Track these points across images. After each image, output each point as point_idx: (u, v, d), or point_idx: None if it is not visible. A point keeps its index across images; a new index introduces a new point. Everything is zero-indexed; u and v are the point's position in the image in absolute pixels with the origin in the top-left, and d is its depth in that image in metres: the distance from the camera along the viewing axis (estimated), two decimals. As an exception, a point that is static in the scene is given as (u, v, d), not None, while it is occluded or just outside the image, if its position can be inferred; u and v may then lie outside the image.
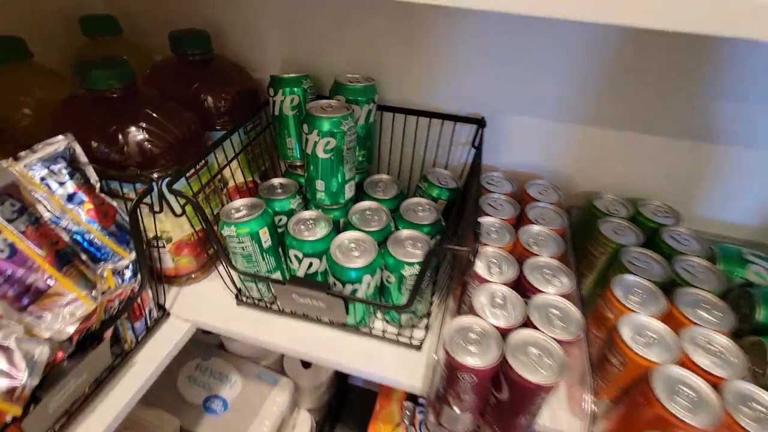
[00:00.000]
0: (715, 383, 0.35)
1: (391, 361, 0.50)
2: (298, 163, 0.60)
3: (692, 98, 0.51)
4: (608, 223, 0.52)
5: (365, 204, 0.54)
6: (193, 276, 0.58)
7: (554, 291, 0.42)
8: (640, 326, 0.39)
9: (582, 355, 0.41)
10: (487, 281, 0.43)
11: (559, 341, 0.37)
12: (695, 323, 0.40)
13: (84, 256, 0.42)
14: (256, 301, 0.55)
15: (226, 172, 0.57)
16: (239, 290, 0.56)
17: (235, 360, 0.87)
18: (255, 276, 0.50)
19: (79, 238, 0.42)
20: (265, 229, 0.49)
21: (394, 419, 0.81)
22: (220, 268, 0.58)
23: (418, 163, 0.65)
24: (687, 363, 0.37)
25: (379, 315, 0.55)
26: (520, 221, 0.53)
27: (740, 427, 0.32)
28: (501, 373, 0.37)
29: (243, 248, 0.49)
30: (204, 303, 0.56)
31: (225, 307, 0.56)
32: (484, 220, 0.51)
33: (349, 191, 0.53)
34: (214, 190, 0.56)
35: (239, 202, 0.51)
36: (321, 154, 0.48)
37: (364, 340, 0.52)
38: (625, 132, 0.56)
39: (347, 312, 0.50)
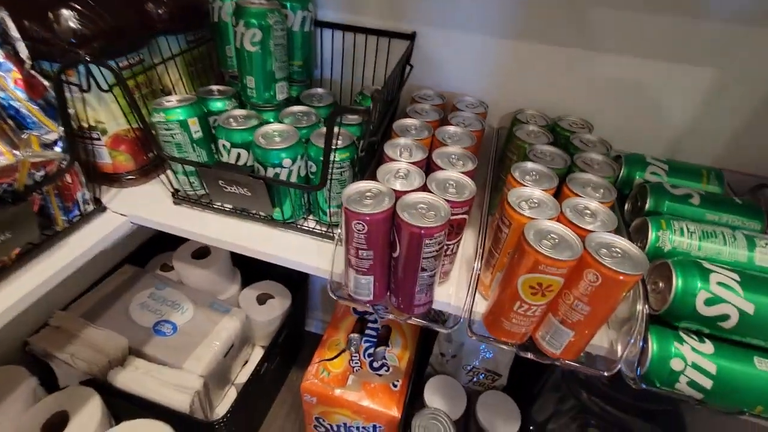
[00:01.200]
0: (583, 235, 0.38)
1: (312, 253, 0.53)
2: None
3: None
4: (523, 129, 0.55)
5: (297, 108, 0.57)
6: (132, 177, 0.60)
7: (456, 170, 0.45)
8: (527, 196, 0.42)
9: (477, 228, 0.44)
10: (393, 160, 0.46)
11: (449, 201, 0.40)
12: (577, 195, 0.43)
13: (10, 122, 0.44)
14: (192, 199, 0.58)
15: (167, 83, 0.60)
16: (176, 190, 0.58)
17: (190, 291, 0.89)
18: (182, 161, 0.52)
19: (4, 103, 0.44)
20: (195, 119, 0.52)
21: (340, 347, 0.84)
22: (161, 173, 0.60)
23: (358, 82, 0.68)
24: (562, 220, 0.40)
25: (312, 217, 0.57)
26: (442, 125, 0.56)
27: (594, 260, 0.35)
28: (393, 229, 0.40)
29: (173, 136, 0.51)
30: (142, 201, 0.58)
31: (162, 205, 0.58)
32: (406, 121, 0.54)
33: (280, 92, 0.56)
34: (153, 94, 0.59)
35: (172, 96, 0.53)
36: (248, 47, 0.51)
37: (291, 234, 0.55)
38: (551, 47, 0.59)
39: (273, 202, 0.53)
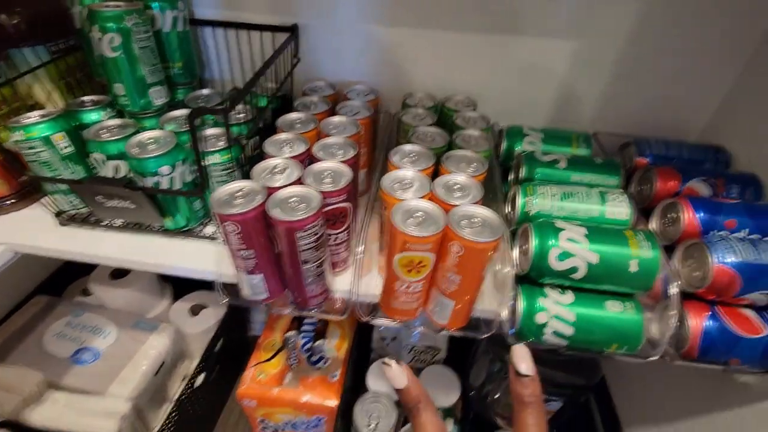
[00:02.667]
0: (446, 208, 0.40)
1: (212, 259, 0.52)
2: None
3: None
4: (410, 113, 0.57)
5: (179, 112, 0.55)
6: (11, 202, 0.56)
7: (336, 160, 0.46)
8: (401, 177, 0.44)
9: (359, 214, 0.45)
10: (272, 156, 0.46)
11: (322, 192, 0.41)
12: (451, 171, 0.45)
13: None
14: (79, 219, 0.54)
15: (40, 96, 0.56)
16: (60, 211, 0.55)
17: (112, 313, 0.85)
18: (52, 180, 0.49)
19: None
20: (62, 134, 0.49)
21: (276, 346, 0.83)
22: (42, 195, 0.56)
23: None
24: (432, 197, 0.42)
25: (212, 222, 0.56)
26: (331, 116, 0.56)
27: (454, 233, 0.37)
28: (269, 227, 0.40)
29: (38, 154, 0.48)
30: (23, 226, 0.55)
31: (48, 228, 0.55)
32: (291, 115, 0.54)
33: (157, 97, 0.54)
34: (17, 111, 0.54)
35: (35, 112, 0.50)
36: (108, 53, 0.48)
37: (190, 242, 0.54)
38: (435, 31, 0.61)
39: (162, 212, 0.51)
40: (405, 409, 0.32)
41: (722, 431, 0.51)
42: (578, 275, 0.40)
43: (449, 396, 0.85)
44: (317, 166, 0.45)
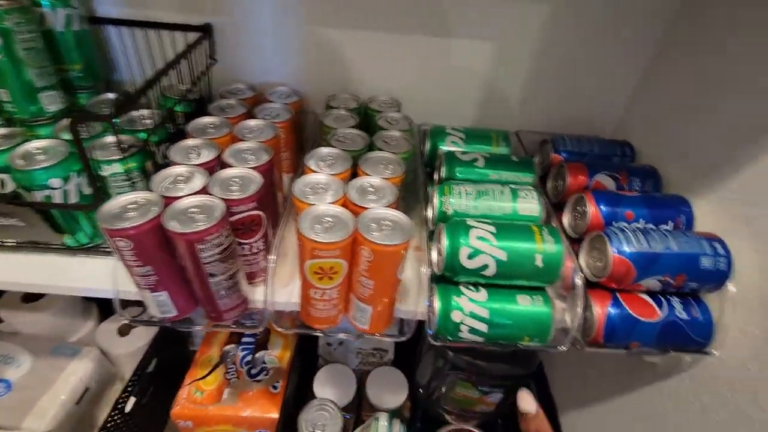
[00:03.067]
0: (358, 211, 0.40)
1: (120, 276, 0.48)
2: None
3: None
4: (331, 115, 0.56)
5: (78, 118, 0.50)
6: None
7: (246, 166, 0.44)
8: (314, 182, 0.43)
9: (268, 223, 0.44)
10: (176, 164, 0.43)
11: (227, 200, 0.39)
12: (368, 174, 0.45)
13: None
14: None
15: None
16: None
17: (26, 340, 0.77)
18: None
19: None
20: (-67, 147, 0.43)
21: (213, 362, 0.79)
22: None
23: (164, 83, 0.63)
24: (345, 201, 0.41)
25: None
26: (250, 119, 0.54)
27: (363, 237, 0.37)
28: (168, 241, 0.37)
29: None
30: None
31: None
32: (203, 120, 0.51)
33: (49, 103, 0.49)
34: None
35: None
36: (-16, 55, 0.43)
37: (95, 260, 0.50)
38: (357, 31, 0.60)
39: (58, 228, 0.47)
40: None
41: (638, 405, 0.54)
42: (489, 272, 0.41)
43: (397, 397, 0.85)
44: (224, 173, 0.43)
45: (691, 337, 0.42)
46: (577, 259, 0.46)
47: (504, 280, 0.42)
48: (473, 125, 0.67)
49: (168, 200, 0.38)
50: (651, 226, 0.45)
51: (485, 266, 0.40)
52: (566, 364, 0.77)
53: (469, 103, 0.67)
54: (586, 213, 0.47)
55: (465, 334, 0.41)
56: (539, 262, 0.40)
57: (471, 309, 0.41)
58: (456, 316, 0.41)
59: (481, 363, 0.77)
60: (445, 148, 0.56)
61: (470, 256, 0.40)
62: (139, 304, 0.44)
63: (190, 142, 0.47)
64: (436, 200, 0.47)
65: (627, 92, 0.64)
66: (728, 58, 0.46)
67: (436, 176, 0.56)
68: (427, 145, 0.57)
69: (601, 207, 0.46)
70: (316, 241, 0.36)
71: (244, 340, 0.84)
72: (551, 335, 0.42)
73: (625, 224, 0.46)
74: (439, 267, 0.42)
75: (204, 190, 0.40)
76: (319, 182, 0.43)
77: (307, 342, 0.91)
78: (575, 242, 0.48)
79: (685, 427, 0.46)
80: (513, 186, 0.48)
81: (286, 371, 0.79)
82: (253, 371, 0.79)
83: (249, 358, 0.81)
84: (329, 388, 0.85)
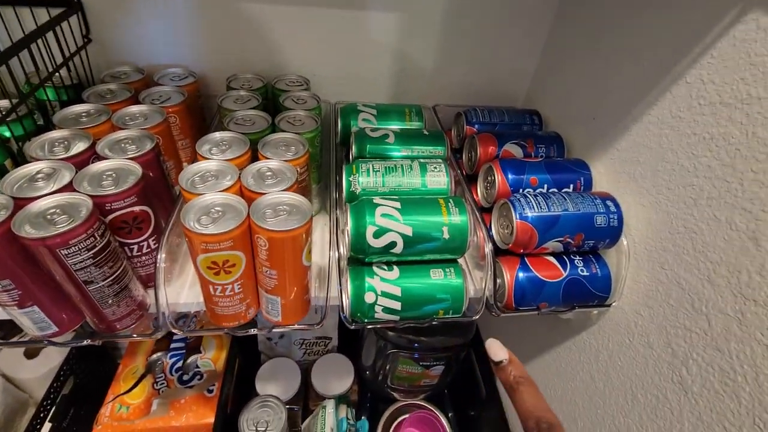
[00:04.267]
0: (254, 197, 0.37)
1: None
2: None
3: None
4: (230, 97, 0.52)
5: None
6: None
7: (124, 157, 0.39)
8: (202, 170, 0.39)
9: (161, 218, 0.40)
10: (36, 159, 0.37)
11: (98, 197, 0.34)
12: (267, 158, 0.42)
13: None
14: None
15: None
16: None
17: None
18: None
19: None
20: None
21: (138, 374, 0.74)
22: None
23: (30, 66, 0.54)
24: (242, 187, 0.38)
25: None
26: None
27: (256, 225, 0.34)
28: (24, 248, 0.32)
29: None
30: None
31: None
32: (74, 108, 0.45)
33: None
34: None
35: None
36: None
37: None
38: (261, 4, 0.56)
39: None
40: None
41: (558, 361, 0.58)
42: (397, 249, 0.40)
43: (343, 382, 0.84)
44: (95, 167, 0.38)
45: (593, 292, 0.44)
46: (490, 227, 0.47)
47: (414, 256, 0.41)
48: (389, 101, 0.65)
49: (22, 202, 0.33)
50: (554, 190, 0.47)
51: (393, 243, 0.39)
52: (499, 329, 0.80)
53: (384, 79, 0.65)
54: (495, 182, 0.48)
55: (380, 314, 0.41)
56: (446, 234, 0.40)
57: (383, 288, 0.40)
58: (369, 297, 0.40)
59: (421, 338, 0.78)
60: (357, 125, 0.54)
61: (376, 235, 0.39)
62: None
63: (55, 134, 0.41)
64: (344, 180, 0.45)
65: (534, 63, 0.65)
66: (616, 31, 0.48)
67: (350, 154, 0.55)
68: (339, 124, 0.55)
69: (508, 175, 0.47)
70: (202, 234, 0.33)
71: (173, 346, 0.79)
72: (465, 306, 0.42)
73: (530, 190, 0.47)
74: (347, 249, 0.41)
75: (69, 188, 0.35)
76: (209, 170, 0.39)
77: (246, 340, 0.87)
78: (489, 211, 0.49)
79: (597, 375, 0.49)
80: (422, 160, 0.47)
81: (221, 373, 0.76)
82: (185, 377, 0.74)
83: (180, 364, 0.76)
84: (273, 384, 0.83)
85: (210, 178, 0.39)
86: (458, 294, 0.42)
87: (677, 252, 0.39)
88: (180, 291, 0.45)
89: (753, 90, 0.32)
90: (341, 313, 0.41)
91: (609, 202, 0.44)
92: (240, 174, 0.39)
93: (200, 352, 0.78)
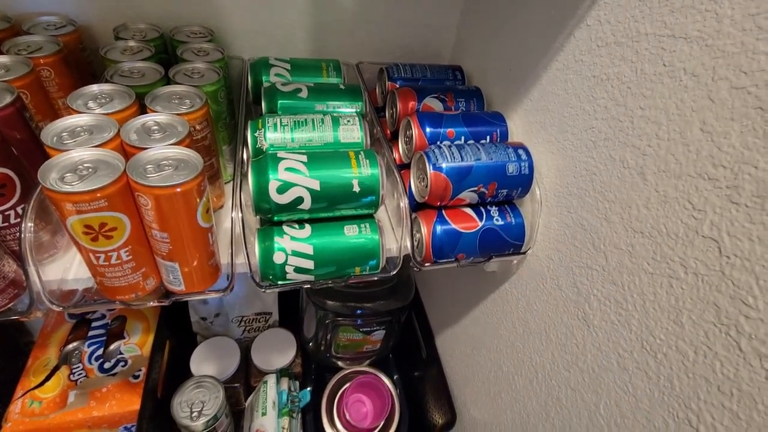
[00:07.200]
0: (135, 152, 0.33)
1: None
2: None
3: None
4: (116, 48, 0.46)
5: None
6: None
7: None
8: (73, 125, 0.34)
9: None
10: None
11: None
12: (156, 111, 0.37)
13: None
14: None
15: None
16: None
17: None
18: None
19: None
20: None
21: (50, 366, 0.67)
22: None
23: None
24: (123, 145, 0.34)
25: None
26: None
27: (135, 182, 0.30)
28: None
29: None
30: None
31: None
32: None
33: None
34: None
35: None
36: None
37: None
38: None
39: None
40: None
41: (486, 314, 0.59)
42: (305, 205, 0.38)
43: (284, 356, 0.83)
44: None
45: (508, 241, 0.45)
46: (410, 182, 0.46)
47: (325, 212, 0.40)
48: (306, 54, 0.62)
49: None
50: (470, 141, 0.47)
51: (299, 199, 0.37)
52: (435, 290, 0.82)
53: (303, 32, 0.61)
54: (413, 136, 0.46)
55: (292, 274, 0.39)
56: (356, 188, 0.38)
57: (294, 247, 0.38)
58: (279, 258, 0.38)
59: (359, 304, 0.78)
60: (269, 80, 0.51)
61: (280, 190, 0.36)
62: None
63: None
64: (249, 136, 0.41)
65: (456, 17, 0.64)
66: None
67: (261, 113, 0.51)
68: (249, 80, 0.51)
69: (426, 128, 0.46)
70: (66, 193, 0.29)
71: (92, 333, 0.73)
72: (382, 262, 0.41)
73: (446, 142, 0.46)
74: (251, 207, 0.38)
75: None
76: (81, 125, 0.34)
77: (178, 322, 0.83)
78: (409, 167, 0.48)
79: (517, 322, 0.52)
80: (335, 114, 0.44)
81: (149, 357, 0.71)
82: (107, 365, 0.69)
83: (100, 352, 0.70)
84: (209, 364, 0.79)
85: (82, 133, 0.34)
86: (374, 251, 0.41)
87: (580, 195, 0.40)
88: (69, 266, 0.40)
89: (641, 27, 0.33)
90: (250, 275, 0.38)
91: (521, 151, 0.44)
92: (120, 129, 0.35)
93: (124, 338, 0.73)
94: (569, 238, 0.42)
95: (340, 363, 0.89)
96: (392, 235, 0.46)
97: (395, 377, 0.92)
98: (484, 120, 0.49)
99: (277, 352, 0.83)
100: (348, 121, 0.44)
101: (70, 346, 0.70)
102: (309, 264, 0.39)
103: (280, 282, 0.39)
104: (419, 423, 0.83)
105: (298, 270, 0.39)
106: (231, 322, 0.87)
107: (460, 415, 0.70)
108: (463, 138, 0.47)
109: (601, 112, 0.37)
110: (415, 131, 0.46)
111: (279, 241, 0.38)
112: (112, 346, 0.72)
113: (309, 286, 0.41)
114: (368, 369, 0.86)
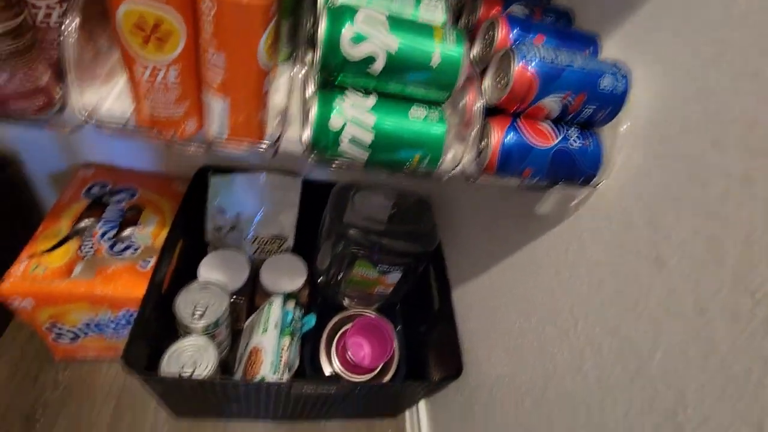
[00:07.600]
0: None
1: None
2: None
3: None
4: None
5: None
6: None
7: None
8: None
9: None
10: None
11: None
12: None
13: None
14: None
15: None
16: None
17: None
18: None
19: None
20: None
21: (60, 236, 0.65)
22: None
23: None
24: None
25: None
26: None
27: None
28: None
29: None
30: None
31: None
32: None
33: None
34: None
35: None
36: None
37: None
38: None
39: None
40: None
41: (522, 258, 0.55)
42: (376, 68, 0.33)
43: (293, 282, 0.80)
44: None
45: (580, 168, 0.40)
46: (482, 82, 0.41)
47: (394, 84, 0.35)
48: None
49: None
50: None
51: (372, 58, 0.33)
52: (468, 234, 0.77)
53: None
54: (495, 37, 0.41)
55: (346, 145, 0.35)
56: (436, 60, 0.34)
57: (354, 115, 0.34)
58: (336, 122, 0.34)
59: (382, 239, 0.75)
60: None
61: (354, 40, 0.32)
62: None
63: None
64: (321, -6, 0.37)
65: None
66: None
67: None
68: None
69: (513, 29, 0.41)
70: None
71: (107, 216, 0.70)
72: (443, 156, 0.37)
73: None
74: (317, 59, 0.34)
75: None
76: None
77: (192, 227, 0.80)
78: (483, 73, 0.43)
79: (564, 269, 0.47)
80: (418, -9, 0.40)
81: (161, 250, 0.69)
82: (117, 248, 0.67)
83: (112, 233, 0.68)
84: (218, 272, 0.77)
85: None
86: (438, 140, 0.36)
87: (684, 121, 0.35)
88: (105, 97, 0.36)
89: None
90: (302, 138, 0.34)
91: (619, 66, 0.39)
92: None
93: (137, 225, 0.70)
94: (656, 169, 0.37)
95: (346, 301, 0.86)
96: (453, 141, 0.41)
97: (398, 328, 0.89)
98: (576, 35, 0.43)
99: (287, 276, 0.81)
100: (430, 1, 0.39)
101: (83, 222, 0.68)
102: (367, 137, 0.35)
103: (329, 153, 0.35)
104: (419, 373, 0.81)
105: (354, 141, 0.35)
106: (245, 239, 0.84)
107: (467, 368, 0.66)
108: (551, 46, 0.41)
109: (736, 19, 0.32)
110: (501, 32, 0.41)
111: (339, 104, 0.34)
112: (126, 232, 0.69)
113: (360, 169, 0.37)
114: (373, 313, 0.84)
